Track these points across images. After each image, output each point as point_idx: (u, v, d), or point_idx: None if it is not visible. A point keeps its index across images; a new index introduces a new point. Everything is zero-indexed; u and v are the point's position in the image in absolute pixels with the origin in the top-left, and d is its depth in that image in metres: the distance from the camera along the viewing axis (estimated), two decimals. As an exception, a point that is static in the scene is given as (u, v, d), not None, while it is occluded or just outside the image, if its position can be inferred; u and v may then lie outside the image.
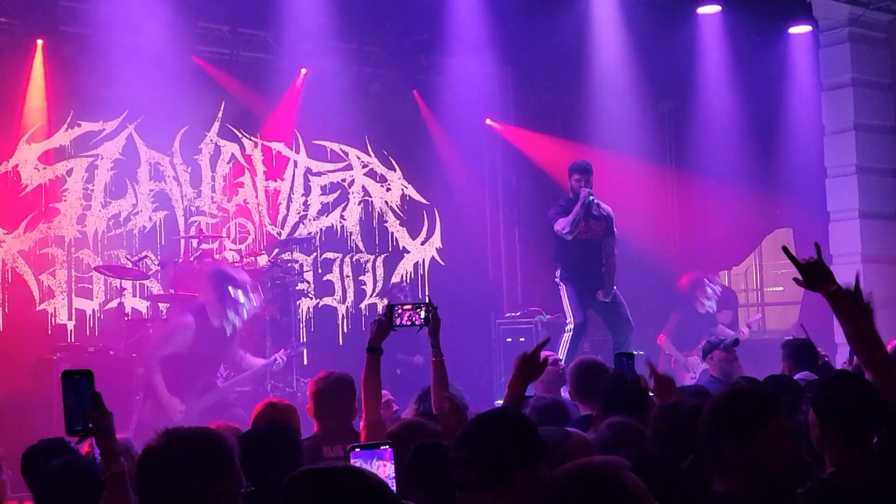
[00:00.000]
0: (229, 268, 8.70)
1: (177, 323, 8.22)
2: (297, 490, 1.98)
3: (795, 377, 5.67)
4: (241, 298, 8.01)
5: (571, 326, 8.83)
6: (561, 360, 6.72)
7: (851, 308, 3.48)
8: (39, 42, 9.50)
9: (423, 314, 4.44)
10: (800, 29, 11.61)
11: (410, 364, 9.12)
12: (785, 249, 3.76)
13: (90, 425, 2.86)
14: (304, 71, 10.90)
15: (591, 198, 8.84)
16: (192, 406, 7.79)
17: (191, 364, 7.88)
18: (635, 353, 9.20)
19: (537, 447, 2.77)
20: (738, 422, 2.83)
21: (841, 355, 8.70)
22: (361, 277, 11.55)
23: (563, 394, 6.24)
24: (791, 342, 6.43)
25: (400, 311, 4.49)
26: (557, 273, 9.04)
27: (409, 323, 4.45)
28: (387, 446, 2.87)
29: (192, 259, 9.39)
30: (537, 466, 2.71)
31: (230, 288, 8.01)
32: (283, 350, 8.59)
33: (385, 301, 11.05)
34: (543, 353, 6.68)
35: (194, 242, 9.69)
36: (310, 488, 1.96)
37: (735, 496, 2.75)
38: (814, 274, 3.57)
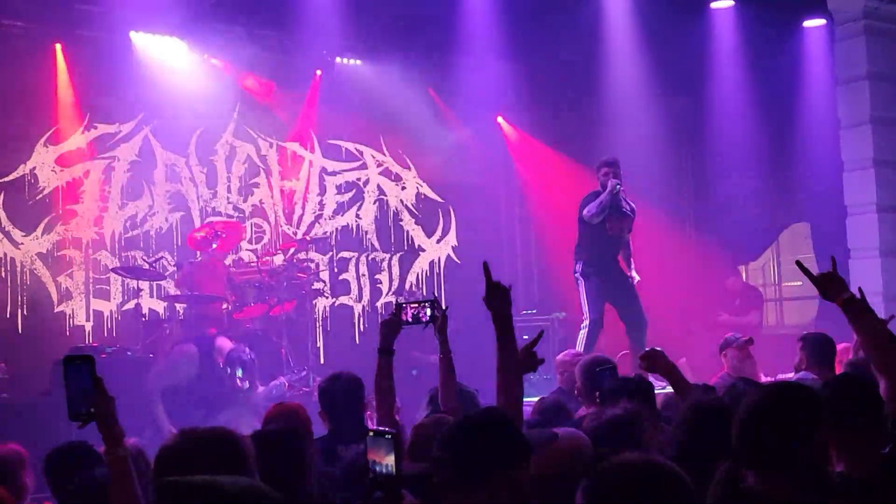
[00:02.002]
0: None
1: (180, 352, 8.28)
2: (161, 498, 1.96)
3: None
4: (238, 374, 8.15)
5: (587, 323, 8.79)
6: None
7: (864, 315, 3.58)
8: (58, 46, 9.58)
9: (428, 311, 4.43)
10: (814, 22, 11.55)
11: (427, 363, 9.07)
12: (798, 264, 3.95)
13: (92, 410, 2.88)
14: (318, 73, 10.96)
15: (619, 187, 8.82)
16: None
17: (194, 393, 7.89)
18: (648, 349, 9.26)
19: (517, 448, 2.76)
20: (797, 420, 2.77)
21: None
22: (377, 276, 11.57)
23: None
24: (809, 336, 6.30)
25: (406, 308, 4.50)
26: (578, 268, 8.96)
27: (413, 319, 4.44)
28: (390, 435, 2.83)
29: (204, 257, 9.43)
30: (517, 467, 2.72)
31: (238, 367, 8.16)
32: (282, 377, 8.57)
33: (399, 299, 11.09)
34: (570, 352, 6.75)
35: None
36: (170, 498, 1.94)
37: (779, 497, 2.69)
38: (828, 285, 3.70)
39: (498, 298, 3.71)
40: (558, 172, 11.94)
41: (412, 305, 4.51)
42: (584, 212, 8.90)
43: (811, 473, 2.72)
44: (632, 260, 9.21)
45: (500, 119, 12.16)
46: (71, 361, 2.93)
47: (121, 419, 2.91)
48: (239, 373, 8.08)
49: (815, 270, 3.96)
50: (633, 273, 9.11)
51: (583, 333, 8.75)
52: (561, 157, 11.96)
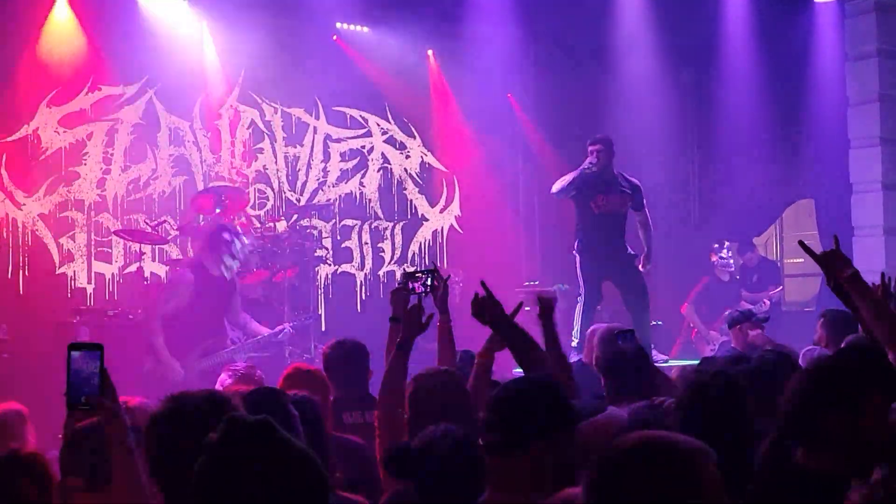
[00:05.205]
0: (221, 220, 8.76)
1: (176, 280, 8.24)
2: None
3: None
4: (236, 243, 8.09)
5: (581, 299, 8.89)
6: None
7: (868, 289, 3.57)
8: (63, 5, 9.50)
9: (428, 281, 4.52)
10: (825, -2, 11.48)
11: (426, 351, 8.85)
12: (801, 244, 3.91)
13: (97, 401, 2.72)
14: (334, 37, 10.87)
15: (593, 168, 8.78)
16: (190, 368, 7.77)
17: (193, 323, 7.84)
18: (653, 323, 9.30)
19: (564, 414, 2.82)
20: (846, 393, 2.71)
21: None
22: (380, 244, 11.54)
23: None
24: (830, 312, 6.19)
25: (408, 277, 4.59)
26: (575, 244, 9.04)
27: (412, 288, 4.52)
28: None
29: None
30: (562, 432, 2.76)
31: (224, 234, 8.08)
32: (288, 323, 8.56)
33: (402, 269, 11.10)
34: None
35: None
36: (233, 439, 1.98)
37: (828, 473, 2.64)
38: (832, 264, 3.68)
39: (486, 313, 3.95)
40: (563, 143, 11.88)
41: (418, 275, 4.58)
42: (553, 187, 9.01)
43: (860, 451, 2.65)
44: (651, 241, 9.18)
45: (509, 96, 12.07)
46: (77, 349, 2.75)
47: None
48: (227, 261, 8.05)
49: (818, 247, 3.97)
50: (644, 259, 9.07)
51: (578, 308, 8.87)
52: (566, 128, 11.88)
